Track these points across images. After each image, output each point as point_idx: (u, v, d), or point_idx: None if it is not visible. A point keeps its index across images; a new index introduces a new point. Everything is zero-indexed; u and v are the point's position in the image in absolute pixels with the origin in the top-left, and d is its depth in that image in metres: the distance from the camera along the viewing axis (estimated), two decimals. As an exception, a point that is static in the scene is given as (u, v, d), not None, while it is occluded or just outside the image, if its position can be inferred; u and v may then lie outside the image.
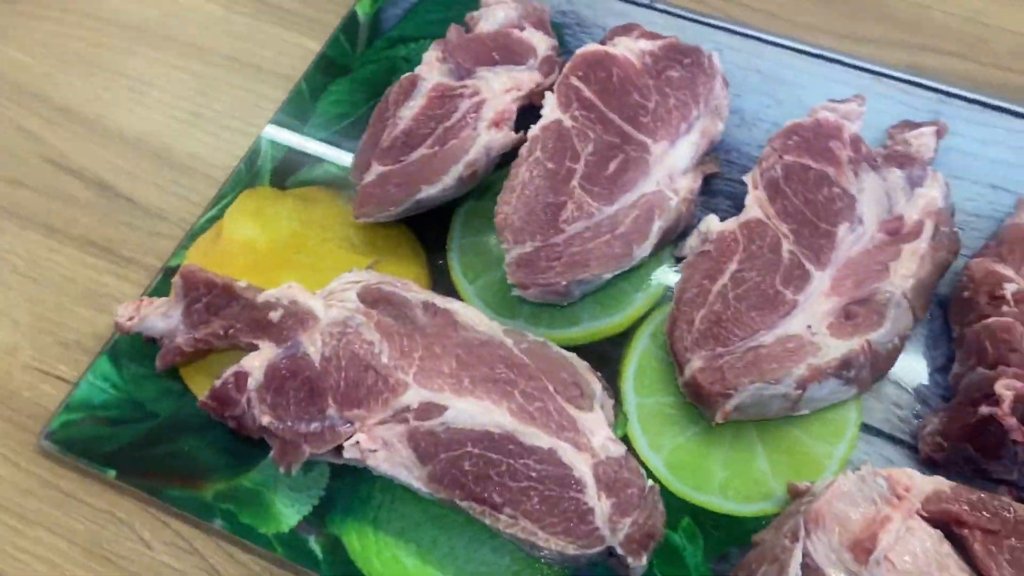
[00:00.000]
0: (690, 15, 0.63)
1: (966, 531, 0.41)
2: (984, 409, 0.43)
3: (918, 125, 0.55)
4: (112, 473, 0.47)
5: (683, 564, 0.44)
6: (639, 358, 0.50)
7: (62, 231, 0.57)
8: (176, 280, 0.49)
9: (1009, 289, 0.46)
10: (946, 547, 0.41)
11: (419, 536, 0.45)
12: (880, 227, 0.52)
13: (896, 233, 0.51)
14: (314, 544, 0.45)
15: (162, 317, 0.50)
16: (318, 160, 0.58)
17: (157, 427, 0.49)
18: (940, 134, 0.55)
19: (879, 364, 0.48)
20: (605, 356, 0.50)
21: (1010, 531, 0.40)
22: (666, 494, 0.46)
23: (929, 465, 0.46)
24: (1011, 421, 0.42)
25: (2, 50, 0.65)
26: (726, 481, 0.46)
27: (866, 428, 0.48)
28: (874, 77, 0.59)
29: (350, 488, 0.47)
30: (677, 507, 0.46)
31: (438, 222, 0.56)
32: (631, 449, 0.47)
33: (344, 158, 0.58)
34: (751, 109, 0.59)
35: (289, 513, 0.46)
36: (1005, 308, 0.46)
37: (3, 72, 0.64)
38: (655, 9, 0.64)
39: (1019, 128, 0.57)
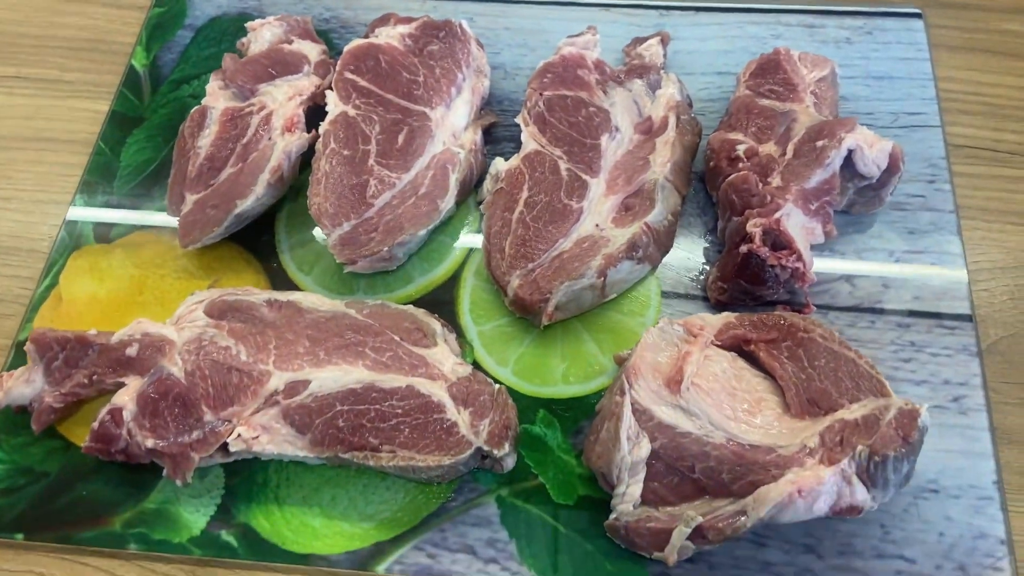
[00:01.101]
0: (438, -6, 0.71)
1: (752, 346, 0.50)
2: (743, 247, 0.52)
3: (646, 39, 0.64)
4: (20, 536, 0.50)
5: (546, 447, 0.51)
6: (470, 295, 0.57)
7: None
8: (28, 347, 0.52)
9: (740, 149, 0.56)
10: (740, 363, 0.50)
11: (320, 498, 0.50)
12: (635, 129, 0.60)
13: (648, 131, 0.60)
14: (227, 536, 0.50)
15: (26, 384, 0.52)
16: (135, 207, 0.62)
17: (52, 483, 0.52)
18: (665, 42, 0.64)
19: (661, 240, 0.56)
20: (441, 302, 0.57)
21: (785, 335, 0.50)
22: (520, 397, 0.53)
23: (719, 307, 0.55)
24: (764, 250, 0.51)
25: None
26: (566, 371, 0.54)
27: (667, 295, 0.56)
28: (602, 8, 0.68)
29: (246, 479, 0.51)
30: (531, 405, 0.53)
31: (264, 231, 0.60)
32: (482, 370, 0.54)
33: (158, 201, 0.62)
34: (510, 61, 0.67)
35: (196, 518, 0.50)
36: (740, 165, 0.55)
37: None
38: (406, -4, 0.71)
39: (728, 21, 0.67)
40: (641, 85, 0.62)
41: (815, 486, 0.44)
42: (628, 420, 0.47)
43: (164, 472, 0.50)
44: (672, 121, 0.59)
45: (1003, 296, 0.55)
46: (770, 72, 0.59)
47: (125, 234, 0.61)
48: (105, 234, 0.61)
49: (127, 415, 0.50)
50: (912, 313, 0.54)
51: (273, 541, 0.49)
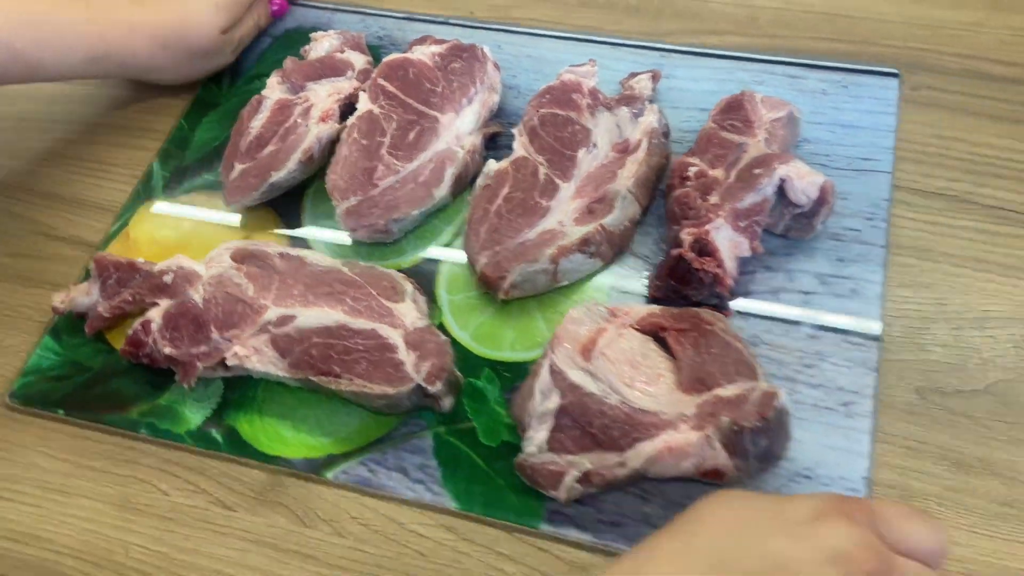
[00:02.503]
0: (475, 24, 0.82)
1: (665, 333, 0.58)
2: (675, 251, 0.60)
3: (640, 74, 0.74)
4: (60, 411, 0.63)
5: (484, 398, 0.60)
6: (448, 270, 0.67)
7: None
8: (91, 266, 0.66)
9: (692, 171, 0.64)
10: (651, 345, 0.58)
11: (293, 415, 0.61)
12: (612, 148, 0.69)
13: (624, 151, 0.69)
14: (216, 434, 0.61)
15: (85, 295, 0.66)
16: (198, 173, 0.75)
17: (92, 377, 0.65)
18: (655, 78, 0.73)
19: (615, 241, 0.65)
20: (425, 273, 0.67)
21: (694, 327, 0.57)
22: (473, 356, 0.62)
23: (654, 303, 0.63)
24: (691, 255, 0.59)
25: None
26: (514, 340, 0.63)
27: (616, 290, 0.65)
28: (611, 47, 0.78)
29: (240, 392, 0.63)
30: (480, 364, 0.62)
31: (294, 202, 0.73)
32: (446, 331, 0.63)
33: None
34: (524, 84, 0.77)
35: (195, 417, 0.62)
36: (688, 183, 0.63)
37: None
38: (449, 24, 0.83)
39: (721, 67, 0.76)
40: (627, 112, 0.71)
41: (683, 447, 0.51)
42: (544, 377, 0.56)
43: (176, 376, 0.62)
44: (645, 144, 0.68)
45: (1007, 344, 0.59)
46: (734, 109, 0.67)
47: (186, 192, 0.75)
48: (172, 191, 0.75)
49: (154, 327, 0.62)
50: (824, 328, 0.60)
51: (250, 442, 0.61)
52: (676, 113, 0.73)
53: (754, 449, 0.51)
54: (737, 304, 0.62)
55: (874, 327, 0.60)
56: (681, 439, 0.51)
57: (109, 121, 0.81)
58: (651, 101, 0.72)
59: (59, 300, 0.66)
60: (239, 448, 0.60)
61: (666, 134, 0.71)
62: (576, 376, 0.55)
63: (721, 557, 0.41)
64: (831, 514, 0.41)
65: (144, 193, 0.75)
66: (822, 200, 0.61)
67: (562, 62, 0.77)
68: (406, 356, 0.58)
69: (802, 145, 0.69)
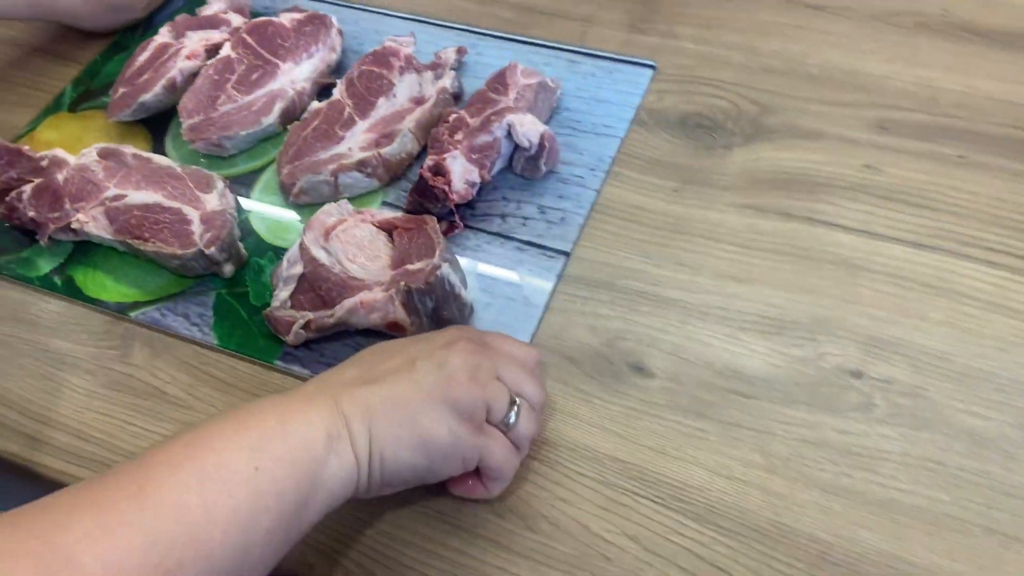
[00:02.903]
0: (348, 5, 1.01)
1: (395, 230, 0.75)
2: (420, 171, 0.77)
3: (449, 48, 0.92)
4: (-53, 254, 0.82)
5: (261, 272, 0.78)
6: (264, 179, 0.85)
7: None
8: (-11, 148, 0.85)
9: (452, 117, 0.81)
10: (382, 236, 0.75)
11: (116, 272, 0.79)
12: (410, 100, 0.87)
13: (418, 103, 0.86)
14: (56, 279, 0.79)
15: (-18, 171, 0.85)
16: (98, 96, 0.95)
17: (-23, 233, 0.84)
18: (460, 52, 0.91)
19: (391, 168, 0.82)
20: (247, 181, 0.85)
21: (416, 227, 0.74)
22: (264, 243, 0.80)
23: (408, 213, 0.80)
24: (428, 175, 0.76)
25: None
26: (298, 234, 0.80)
27: (388, 205, 0.82)
28: (443, 28, 0.96)
29: (82, 252, 0.81)
30: (267, 247, 0.79)
31: (163, 121, 0.91)
32: (249, 224, 0.81)
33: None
34: (368, 50, 0.95)
35: (44, 266, 0.80)
36: (445, 124, 0.81)
37: None
38: (334, 3, 1.01)
39: (523, 51, 0.93)
40: (430, 75, 0.89)
41: (372, 302, 0.68)
42: (294, 250, 0.73)
43: (37, 235, 0.80)
44: (433, 98, 0.85)
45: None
46: (499, 76, 0.84)
47: (86, 109, 0.94)
48: (75, 107, 0.94)
49: (25, 196, 0.81)
50: (530, 243, 0.77)
51: (80, 287, 0.79)
52: (478, 82, 0.90)
53: (423, 308, 0.68)
54: (472, 221, 0.79)
55: (566, 246, 0.76)
56: (372, 297, 0.68)
57: (45, 47, 1.02)
58: (453, 69, 0.90)
59: (-37, 174, 0.85)
60: (71, 291, 0.78)
61: (457, 96, 0.88)
62: (317, 252, 0.73)
63: (373, 361, 0.58)
64: (457, 337, 0.58)
65: (54, 107, 0.95)
66: (542, 146, 0.78)
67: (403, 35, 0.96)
68: (197, 228, 0.76)
69: (562, 112, 0.86)
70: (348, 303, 0.69)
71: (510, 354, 0.61)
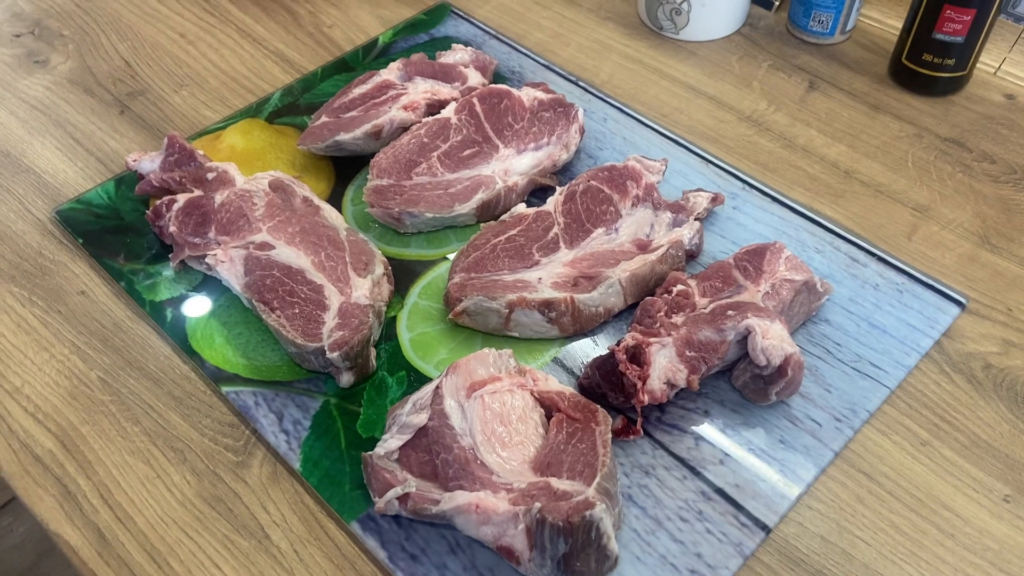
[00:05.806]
0: (597, 93, 0.85)
1: (557, 413, 0.57)
2: (612, 347, 0.59)
3: (704, 191, 0.73)
4: (80, 240, 0.72)
5: (385, 394, 0.62)
6: (433, 278, 0.70)
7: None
8: (165, 139, 0.75)
9: (678, 287, 0.63)
10: (537, 415, 0.57)
11: (233, 327, 0.66)
12: (632, 242, 0.69)
13: (641, 248, 0.68)
14: (168, 312, 0.67)
15: (150, 161, 0.75)
16: (302, 113, 0.84)
17: (119, 226, 0.74)
18: (715, 202, 0.72)
19: (580, 319, 0.64)
20: (415, 271, 0.70)
21: (583, 421, 0.56)
22: (401, 356, 0.64)
23: (580, 390, 0.61)
24: (622, 356, 0.58)
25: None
26: (443, 360, 0.64)
27: (559, 363, 0.64)
28: (701, 161, 0.78)
29: (208, 290, 0.69)
30: (403, 364, 0.64)
31: (355, 166, 0.79)
32: (395, 326, 0.66)
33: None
34: (604, 159, 0.79)
35: (166, 292, 0.69)
36: (664, 296, 0.62)
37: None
38: (577, 84, 0.86)
39: (790, 219, 0.73)
40: (668, 218, 0.71)
41: (489, 511, 0.50)
42: (423, 392, 0.57)
43: (170, 255, 0.69)
44: (663, 250, 0.67)
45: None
46: (755, 255, 0.64)
47: (284, 123, 0.83)
48: (273, 118, 0.84)
49: (175, 207, 0.70)
50: (720, 492, 0.56)
51: (188, 333, 0.66)
52: (722, 243, 0.71)
53: (551, 548, 0.49)
54: (656, 431, 0.60)
55: (769, 518, 0.55)
56: (492, 504, 0.50)
57: (272, 47, 0.93)
58: (699, 219, 0.71)
59: (132, 158, 0.76)
60: (175, 331, 0.66)
61: (692, 254, 0.69)
62: (450, 406, 0.56)
63: None
64: None
65: (254, 111, 0.85)
66: (782, 371, 0.57)
67: (651, 153, 0.78)
68: (330, 321, 0.62)
69: (820, 324, 0.65)
70: (460, 499, 0.51)
71: None
